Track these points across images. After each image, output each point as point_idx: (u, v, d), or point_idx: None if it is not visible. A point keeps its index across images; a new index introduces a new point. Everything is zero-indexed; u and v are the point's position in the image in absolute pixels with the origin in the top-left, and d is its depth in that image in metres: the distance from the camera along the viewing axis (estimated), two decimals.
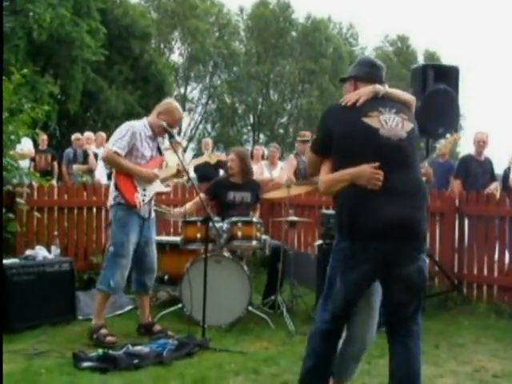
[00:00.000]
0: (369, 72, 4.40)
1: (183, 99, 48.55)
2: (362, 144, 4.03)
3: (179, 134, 41.94)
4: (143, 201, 6.35)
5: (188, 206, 7.76)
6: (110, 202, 6.36)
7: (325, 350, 4.25)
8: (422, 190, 4.11)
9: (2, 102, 6.53)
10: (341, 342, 4.39)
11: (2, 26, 7.68)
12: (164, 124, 6.37)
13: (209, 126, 49.96)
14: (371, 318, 4.42)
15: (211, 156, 7.79)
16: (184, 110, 48.27)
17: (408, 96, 4.38)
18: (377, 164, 3.94)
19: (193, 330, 6.32)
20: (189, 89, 49.78)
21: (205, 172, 12.78)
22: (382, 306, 4.33)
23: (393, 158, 4.01)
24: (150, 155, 6.46)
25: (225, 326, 6.84)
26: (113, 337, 6.19)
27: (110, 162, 6.38)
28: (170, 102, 6.71)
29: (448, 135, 6.54)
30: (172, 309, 7.22)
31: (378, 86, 4.23)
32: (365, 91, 4.18)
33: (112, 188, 6.36)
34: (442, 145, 6.90)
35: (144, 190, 6.37)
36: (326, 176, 4.20)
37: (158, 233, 8.21)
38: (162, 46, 47.20)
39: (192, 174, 11.20)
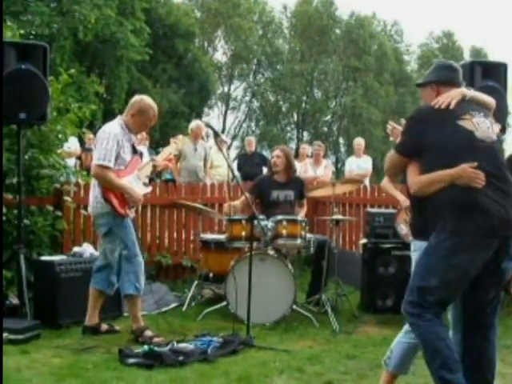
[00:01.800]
0: (450, 76, 4.47)
1: (227, 97, 48.69)
2: (458, 146, 4.13)
3: (223, 131, 42.18)
4: (132, 207, 6.32)
5: (234, 203, 7.78)
6: (100, 210, 6.18)
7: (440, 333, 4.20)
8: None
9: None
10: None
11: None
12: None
13: (252, 124, 49.99)
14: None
15: (176, 142, 7.41)
16: (228, 108, 48.53)
17: (490, 99, 4.49)
18: (475, 164, 4.03)
19: (237, 328, 6.36)
20: (232, 87, 49.87)
21: (248, 170, 12.85)
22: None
23: (487, 159, 4.10)
24: (130, 158, 6.29)
25: (269, 324, 6.86)
26: (159, 337, 6.19)
27: (100, 179, 6.10)
28: (141, 99, 6.38)
29: None
30: (217, 306, 7.25)
31: (465, 90, 4.35)
32: (454, 94, 4.26)
33: (99, 197, 6.13)
34: None
35: (132, 207, 6.35)
36: (419, 177, 4.25)
37: (202, 231, 8.30)
38: (205, 44, 47.36)
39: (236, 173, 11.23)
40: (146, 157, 13.21)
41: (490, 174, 4.08)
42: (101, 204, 6.14)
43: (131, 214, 6.33)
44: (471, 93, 4.36)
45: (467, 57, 54.25)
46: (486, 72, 7.76)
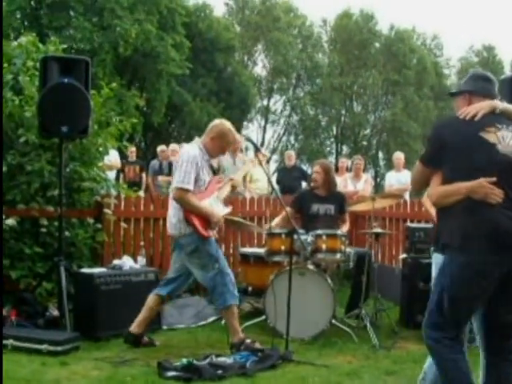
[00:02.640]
0: (483, 87, 4.35)
1: (266, 111, 48.77)
2: (478, 158, 4.01)
3: (262, 145, 42.24)
4: (213, 228, 6.37)
5: (275, 221, 7.79)
6: (183, 231, 6.24)
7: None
8: None
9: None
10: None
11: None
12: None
13: (292, 138, 49.99)
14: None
15: (253, 161, 7.54)
16: (267, 121, 48.62)
17: None
18: (494, 179, 3.92)
19: (276, 342, 6.33)
20: (272, 101, 49.94)
21: (287, 184, 12.83)
22: (476, 321, 4.28)
23: (508, 174, 3.98)
24: (209, 179, 6.40)
25: (308, 338, 6.82)
26: (256, 343, 6.27)
27: (182, 202, 6.16)
28: (221, 123, 6.55)
29: None
30: (256, 320, 7.24)
31: (496, 102, 4.20)
32: (483, 105, 4.14)
33: (181, 218, 6.20)
34: None
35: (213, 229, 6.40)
36: (438, 188, 4.16)
37: (242, 244, 8.30)
38: (245, 58, 47.53)
39: (275, 186, 11.20)
40: None
41: (508, 189, 3.97)
42: (184, 225, 6.20)
43: (213, 234, 6.38)
44: (503, 105, 4.21)
45: (508, 71, 53.75)
46: None
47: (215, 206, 6.35)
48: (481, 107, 4.11)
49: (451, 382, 4.05)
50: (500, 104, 4.18)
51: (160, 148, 13.75)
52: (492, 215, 3.93)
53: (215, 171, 6.70)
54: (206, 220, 6.19)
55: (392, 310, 7.84)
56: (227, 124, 6.54)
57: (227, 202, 6.71)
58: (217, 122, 6.58)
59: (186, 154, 6.27)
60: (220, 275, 6.20)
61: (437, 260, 4.45)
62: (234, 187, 6.76)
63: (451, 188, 4.04)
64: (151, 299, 6.49)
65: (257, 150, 7.48)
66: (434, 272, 4.40)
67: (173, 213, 6.32)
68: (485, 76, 4.45)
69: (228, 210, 6.69)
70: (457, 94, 4.51)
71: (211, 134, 6.42)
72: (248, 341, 6.25)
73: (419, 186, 4.45)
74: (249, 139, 9.59)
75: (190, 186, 6.11)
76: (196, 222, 6.12)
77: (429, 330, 4.14)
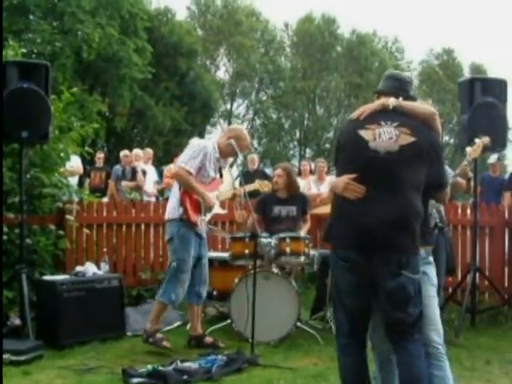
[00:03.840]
0: (389, 86, 4.41)
1: (229, 115, 48.77)
2: (352, 155, 4.11)
3: None
4: (203, 220, 6.55)
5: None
6: (171, 216, 6.49)
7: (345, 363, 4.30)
8: (404, 206, 3.97)
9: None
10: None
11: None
12: (234, 143, 6.48)
13: (255, 142, 50.05)
14: (382, 363, 4.39)
15: (261, 184, 7.81)
16: (230, 125, 48.54)
17: (424, 109, 4.25)
18: (353, 176, 3.99)
19: (242, 346, 6.33)
20: (235, 105, 49.98)
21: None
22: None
23: (378, 170, 3.98)
24: (214, 176, 6.63)
25: (274, 342, 6.82)
26: (168, 342, 6.38)
27: (181, 179, 6.43)
28: (241, 129, 6.96)
29: (476, 140, 6.43)
30: (221, 325, 7.23)
31: (389, 99, 4.19)
32: (372, 105, 4.22)
33: (175, 203, 6.46)
34: (470, 150, 6.75)
35: (205, 215, 6.57)
36: None
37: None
38: (207, 62, 47.49)
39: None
40: (152, 175, 13.30)
41: (375, 186, 3.97)
42: (173, 210, 6.45)
43: (201, 224, 6.53)
44: (396, 102, 4.17)
45: (467, 73, 54.39)
46: (485, 88, 7.77)
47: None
48: (370, 106, 4.20)
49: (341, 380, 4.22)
50: (393, 101, 4.17)
51: (123, 153, 13.65)
52: (351, 212, 4.01)
53: (221, 174, 6.91)
54: (198, 209, 6.44)
55: None
56: (244, 130, 6.90)
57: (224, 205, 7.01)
58: (235, 126, 6.96)
59: (197, 142, 6.67)
60: (172, 273, 6.41)
61: None
62: (234, 195, 7.01)
63: (331, 185, 4.26)
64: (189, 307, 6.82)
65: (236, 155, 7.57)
66: None
67: (171, 199, 6.64)
68: (394, 75, 4.51)
69: (222, 211, 7.00)
70: (374, 93, 4.61)
71: (230, 134, 6.68)
72: (159, 335, 6.45)
73: None
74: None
75: (192, 170, 6.33)
76: (188, 204, 6.35)
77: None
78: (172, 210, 6.49)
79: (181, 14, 42.69)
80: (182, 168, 6.35)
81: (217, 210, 6.80)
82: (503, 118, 7.78)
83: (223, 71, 49.23)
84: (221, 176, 6.91)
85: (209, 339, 6.64)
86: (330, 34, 50.02)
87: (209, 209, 6.58)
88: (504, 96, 7.90)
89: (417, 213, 4.02)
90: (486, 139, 6.72)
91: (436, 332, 4.26)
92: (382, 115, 4.12)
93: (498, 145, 7.47)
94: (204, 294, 6.75)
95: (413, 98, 4.36)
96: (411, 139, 4.01)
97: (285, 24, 51.93)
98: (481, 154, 6.91)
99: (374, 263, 3.94)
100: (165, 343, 6.38)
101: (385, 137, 4.02)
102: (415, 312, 4.04)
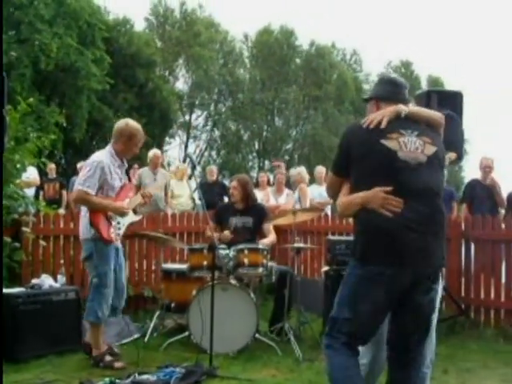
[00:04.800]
0: (391, 91, 4.28)
1: (188, 127, 48.68)
2: (379, 166, 3.91)
3: (184, 161, 42.08)
4: (118, 234, 6.41)
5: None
6: (84, 236, 6.32)
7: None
8: (439, 218, 3.95)
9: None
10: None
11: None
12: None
13: (214, 153, 50.06)
14: (378, 343, 4.34)
15: (176, 173, 7.69)
16: (189, 137, 48.51)
17: (434, 115, 4.23)
18: (390, 188, 3.83)
19: (200, 358, 6.30)
20: (193, 116, 49.90)
21: (209, 199, 12.79)
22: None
23: (410, 182, 3.87)
24: (120, 185, 6.43)
25: (232, 353, 6.81)
26: (119, 362, 6.27)
27: (82, 202, 6.27)
28: (127, 123, 6.52)
29: None
30: (179, 337, 7.19)
31: (400, 107, 4.09)
32: (386, 112, 4.03)
33: (86, 224, 6.26)
34: None
35: (118, 222, 6.40)
36: (343, 198, 4.10)
37: (164, 261, 8.25)
38: (166, 73, 47.37)
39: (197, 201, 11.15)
40: None
41: (409, 198, 3.85)
42: (86, 230, 6.27)
43: (116, 240, 6.40)
44: (409, 109, 4.11)
45: (425, 86, 55.07)
46: (442, 100, 7.84)
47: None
48: (384, 113, 4.02)
49: (334, 382, 4.04)
50: (405, 108, 4.09)
51: (80, 164, 13.56)
52: (389, 226, 3.83)
53: (129, 177, 6.69)
54: (110, 224, 6.27)
55: (315, 323, 7.88)
56: (133, 122, 6.55)
57: (136, 211, 6.76)
58: (122, 123, 6.54)
59: (91, 160, 6.30)
60: (93, 290, 6.30)
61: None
62: (145, 198, 6.73)
63: (350, 198, 4.01)
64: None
65: (194, 166, 7.57)
66: None
67: (82, 219, 6.40)
68: (392, 80, 4.41)
69: (137, 218, 6.80)
70: (367, 99, 4.46)
71: (122, 138, 6.41)
72: (109, 358, 6.30)
73: (334, 196, 4.32)
74: (189, 156, 9.66)
75: (91, 190, 6.12)
76: (100, 223, 6.17)
77: (324, 337, 4.16)
78: (84, 229, 6.32)
79: (139, 25, 42.57)
80: (80, 190, 6.15)
81: (132, 218, 6.60)
82: (460, 129, 7.88)
83: (182, 82, 49.18)
84: (129, 180, 6.71)
85: (108, 358, 6.45)
86: (288, 46, 50.28)
87: (120, 216, 6.38)
88: (460, 108, 7.99)
89: (446, 222, 4.05)
90: (453, 155, 6.84)
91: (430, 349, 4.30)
92: (398, 123, 4.00)
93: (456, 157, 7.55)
94: (120, 305, 6.62)
95: (408, 103, 4.29)
96: (434, 149, 3.98)
97: (244, 35, 52.10)
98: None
99: (417, 279, 3.86)
100: (117, 364, 6.25)
101: (411, 147, 3.92)
102: (427, 328, 4.06)
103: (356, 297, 3.94)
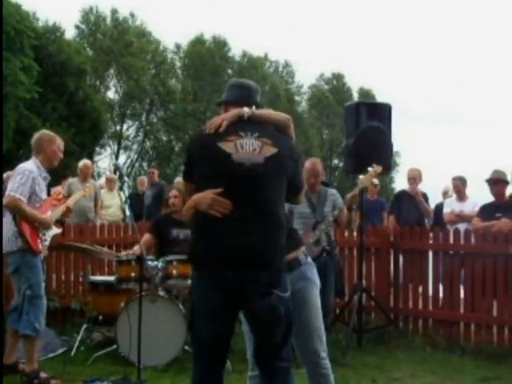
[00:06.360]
0: (237, 95, 4.24)
1: (119, 137, 48.31)
2: (213, 169, 3.87)
3: (115, 172, 41.74)
4: (45, 246, 6.33)
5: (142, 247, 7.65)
6: (9, 248, 6.15)
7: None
8: (272, 220, 3.86)
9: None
10: None
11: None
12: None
13: (145, 164, 49.77)
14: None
15: (85, 189, 7.65)
16: (120, 147, 48.13)
17: (279, 116, 4.17)
18: (219, 190, 3.78)
19: (129, 371, 6.20)
20: (125, 126, 49.59)
21: (140, 210, 12.70)
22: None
23: (244, 183, 3.82)
24: (46, 197, 6.38)
25: (161, 366, 6.73)
26: (55, 379, 6.12)
27: (14, 208, 6.08)
28: (43, 133, 6.57)
29: (369, 168, 6.62)
30: (107, 350, 7.07)
31: (243, 109, 4.04)
32: (226, 115, 4.01)
33: (11, 236, 6.12)
34: (364, 178, 6.96)
35: (44, 234, 6.32)
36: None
37: (92, 272, 8.12)
38: (97, 82, 46.98)
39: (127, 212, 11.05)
40: None
41: (240, 200, 3.79)
42: (11, 242, 6.10)
43: (43, 250, 6.30)
44: (252, 111, 4.03)
45: (356, 98, 55.91)
46: (371, 112, 7.95)
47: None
48: (224, 117, 3.99)
49: None
50: (247, 110, 4.02)
51: (6, 174, 13.18)
52: (217, 228, 3.80)
53: (50, 192, 6.62)
54: (37, 235, 6.17)
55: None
56: (47, 131, 6.67)
57: (58, 223, 6.66)
58: (37, 135, 6.51)
59: (22, 168, 6.23)
60: (28, 302, 6.13)
61: None
62: (68, 211, 6.67)
63: (189, 201, 3.97)
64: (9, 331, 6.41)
65: (121, 176, 7.44)
66: None
67: (6, 228, 6.19)
68: (239, 84, 4.39)
69: (58, 230, 6.67)
70: (218, 104, 4.44)
71: (40, 148, 6.37)
72: (44, 375, 6.16)
73: None
74: (117, 165, 9.54)
75: (22, 197, 6.02)
76: (28, 234, 6.06)
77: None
78: (9, 242, 6.15)
79: (70, 33, 42.13)
80: (12, 196, 6.02)
81: (54, 230, 6.50)
82: (388, 141, 7.98)
83: (113, 92, 48.86)
84: (49, 194, 6.67)
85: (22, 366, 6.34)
86: (220, 57, 50.45)
87: (47, 229, 6.31)
88: (389, 120, 8.10)
89: (284, 227, 3.94)
90: (379, 168, 6.92)
91: (322, 342, 4.34)
92: (239, 126, 3.94)
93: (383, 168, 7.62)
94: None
95: (261, 106, 4.25)
96: (274, 150, 3.89)
97: (176, 45, 52.07)
98: (373, 182, 7.11)
99: (244, 282, 3.76)
100: (54, 382, 6.10)
101: (248, 148, 3.86)
102: (282, 333, 3.89)
103: (196, 301, 3.93)
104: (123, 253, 7.62)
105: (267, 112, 4.16)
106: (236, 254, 3.75)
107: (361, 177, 7.02)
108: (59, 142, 6.47)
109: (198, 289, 3.90)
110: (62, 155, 6.53)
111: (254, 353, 4.07)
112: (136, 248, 7.58)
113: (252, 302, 3.80)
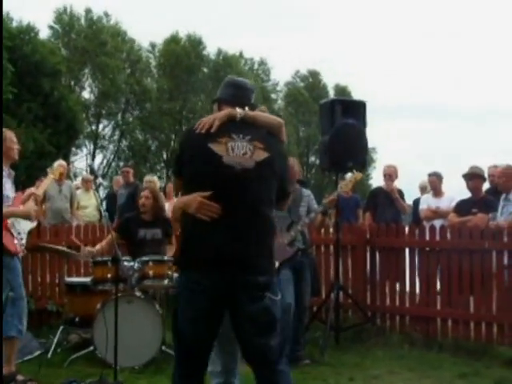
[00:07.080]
0: (232, 94, 4.17)
1: (95, 137, 48.10)
2: (203, 171, 3.82)
3: (92, 172, 41.58)
4: (22, 245, 6.28)
5: (99, 246, 7.61)
6: None
7: None
8: (261, 225, 3.83)
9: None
10: None
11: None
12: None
13: (121, 164, 49.59)
14: (236, 350, 4.25)
15: (54, 172, 7.53)
16: (96, 147, 47.92)
17: (272, 119, 4.14)
18: (207, 193, 3.72)
19: (106, 373, 6.16)
20: (101, 126, 49.41)
21: (115, 209, 12.65)
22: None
23: (234, 188, 3.77)
24: (14, 195, 6.29)
25: (138, 367, 6.71)
26: (32, 382, 6.09)
27: None
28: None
29: (349, 174, 6.66)
30: (83, 352, 7.03)
31: (235, 110, 3.99)
32: (219, 115, 3.94)
33: None
34: (343, 183, 7.03)
35: (19, 233, 6.25)
36: (175, 202, 4.05)
37: (69, 274, 8.07)
38: (72, 83, 46.72)
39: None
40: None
41: (230, 204, 3.74)
42: None
43: (22, 250, 6.25)
44: (245, 112, 3.99)
45: (332, 95, 56.04)
46: (345, 110, 7.96)
47: (21, 220, 6.26)
48: (216, 116, 3.93)
49: None
50: (240, 111, 3.97)
51: None
52: (205, 231, 3.74)
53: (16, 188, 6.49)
54: (12, 235, 6.11)
55: None
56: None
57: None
58: None
59: None
60: (11, 304, 6.08)
61: None
62: (36, 201, 6.58)
63: (176, 202, 3.96)
64: None
65: (96, 177, 7.42)
66: None
67: None
68: (235, 83, 4.30)
69: (34, 224, 6.66)
70: (212, 102, 4.38)
71: None
72: (21, 378, 6.11)
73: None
74: (91, 166, 9.52)
75: None
76: (4, 237, 5.97)
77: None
78: None
79: (44, 33, 41.86)
80: None
81: (29, 225, 6.44)
82: (363, 139, 8.00)
83: (88, 92, 48.63)
84: (16, 190, 6.53)
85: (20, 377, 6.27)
86: (195, 55, 50.37)
87: (27, 219, 6.27)
88: (363, 117, 8.12)
89: (273, 231, 3.94)
90: (359, 175, 6.96)
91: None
92: (231, 127, 3.89)
93: (358, 165, 7.64)
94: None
95: (255, 107, 4.22)
96: (265, 155, 3.85)
97: (151, 44, 51.90)
98: (352, 187, 7.17)
99: (233, 286, 3.71)
100: None
101: (239, 151, 3.81)
102: (277, 335, 3.85)
103: (183, 305, 3.87)
104: (88, 248, 7.59)
105: (260, 114, 4.12)
106: (225, 257, 3.72)
107: (340, 183, 7.09)
108: (9, 136, 6.35)
109: (184, 292, 3.84)
110: (17, 146, 6.45)
111: (246, 357, 3.97)
112: (98, 247, 7.58)
113: (243, 305, 3.75)
